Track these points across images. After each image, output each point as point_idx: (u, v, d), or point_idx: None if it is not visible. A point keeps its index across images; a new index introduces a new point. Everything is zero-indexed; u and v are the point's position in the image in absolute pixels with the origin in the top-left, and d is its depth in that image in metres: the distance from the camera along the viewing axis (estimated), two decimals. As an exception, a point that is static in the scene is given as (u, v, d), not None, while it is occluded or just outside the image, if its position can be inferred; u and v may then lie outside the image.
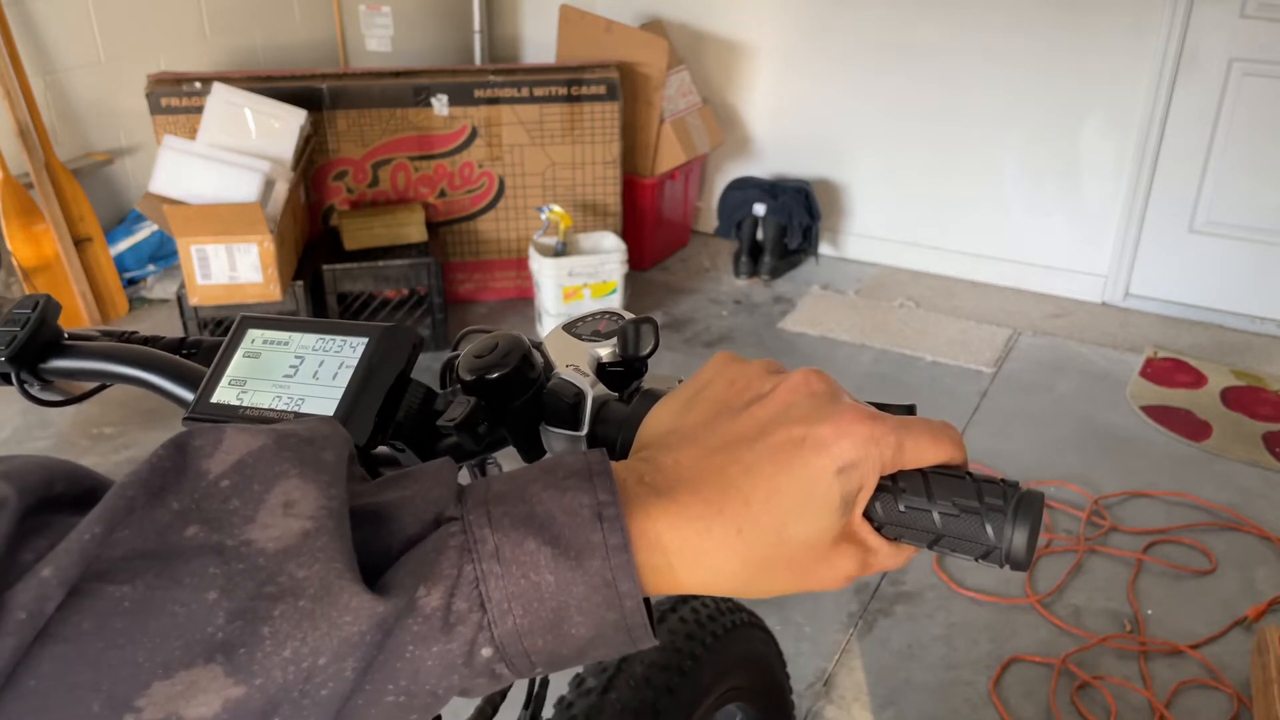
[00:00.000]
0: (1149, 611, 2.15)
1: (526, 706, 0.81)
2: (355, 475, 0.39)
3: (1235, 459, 2.68)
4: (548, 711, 0.95)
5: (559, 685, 1.03)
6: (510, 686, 0.82)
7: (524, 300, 3.51)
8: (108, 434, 2.67)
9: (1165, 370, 3.16)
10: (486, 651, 0.36)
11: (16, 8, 2.98)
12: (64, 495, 0.35)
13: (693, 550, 0.39)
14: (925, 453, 0.43)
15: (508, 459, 0.61)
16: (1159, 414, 2.90)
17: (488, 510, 0.37)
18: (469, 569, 0.36)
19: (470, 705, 0.87)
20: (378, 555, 0.36)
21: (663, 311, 3.51)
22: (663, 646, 1.04)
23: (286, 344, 0.57)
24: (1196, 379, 3.11)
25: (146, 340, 0.71)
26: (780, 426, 0.42)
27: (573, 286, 3.15)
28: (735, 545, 0.40)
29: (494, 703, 0.83)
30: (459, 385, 0.57)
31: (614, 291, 3.20)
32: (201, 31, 3.50)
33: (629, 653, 0.39)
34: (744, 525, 0.40)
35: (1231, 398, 3.00)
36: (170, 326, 3.16)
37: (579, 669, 1.07)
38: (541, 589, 0.36)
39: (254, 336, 0.58)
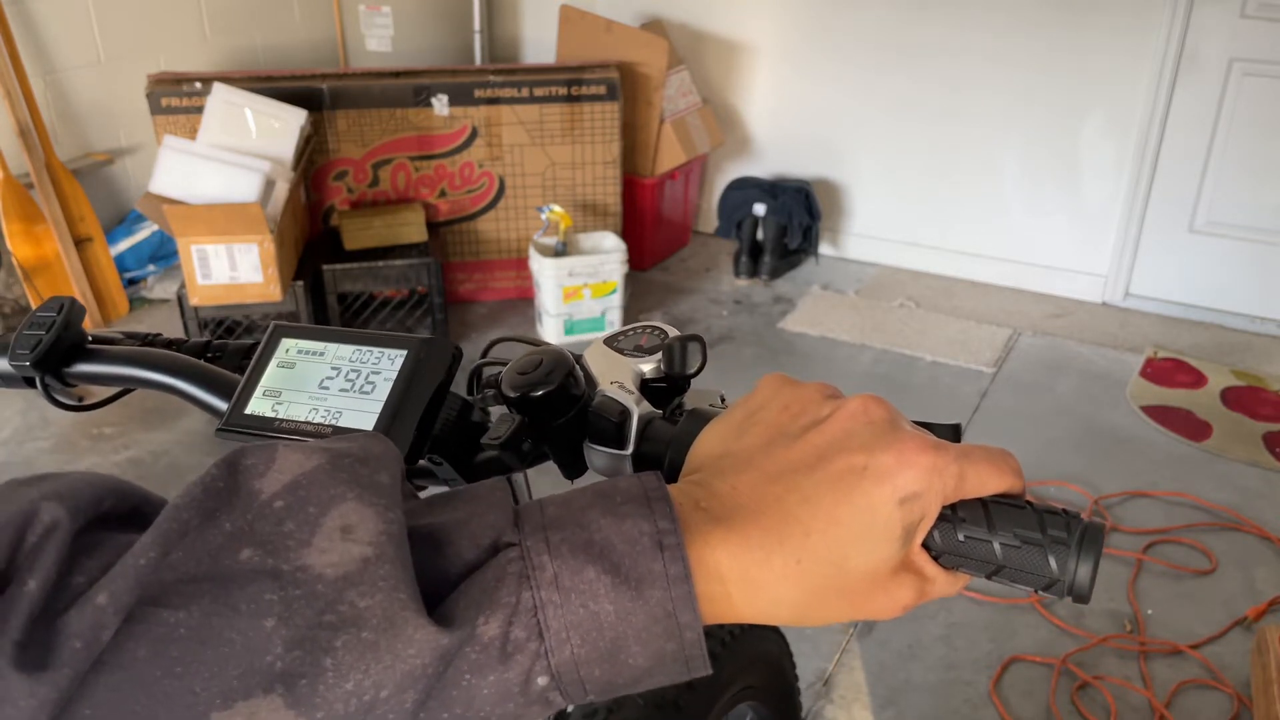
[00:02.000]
0: (1149, 611, 2.15)
1: None
2: (406, 493, 0.38)
3: (1235, 459, 2.68)
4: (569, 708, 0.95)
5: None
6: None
7: (524, 300, 3.51)
8: (108, 434, 2.67)
9: (1165, 370, 3.16)
10: (542, 680, 0.35)
11: (16, 8, 2.98)
12: (113, 512, 0.34)
13: (752, 580, 0.39)
14: (987, 483, 0.42)
15: (535, 472, 0.60)
16: (1159, 414, 2.90)
17: (546, 536, 0.37)
18: (527, 596, 0.35)
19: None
20: (433, 580, 0.36)
21: (663, 311, 3.51)
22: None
23: (322, 354, 0.56)
24: (1196, 379, 3.11)
25: (170, 343, 0.70)
26: (840, 454, 0.41)
27: (573, 286, 3.15)
28: (794, 576, 0.39)
29: None
30: (490, 393, 0.56)
31: (614, 291, 3.20)
32: (201, 31, 3.50)
33: (682, 680, 0.39)
34: (803, 556, 0.39)
35: (1231, 398, 3.00)
36: (170, 327, 3.16)
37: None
38: (600, 618, 0.36)
39: (288, 346, 0.56)
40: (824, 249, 3.99)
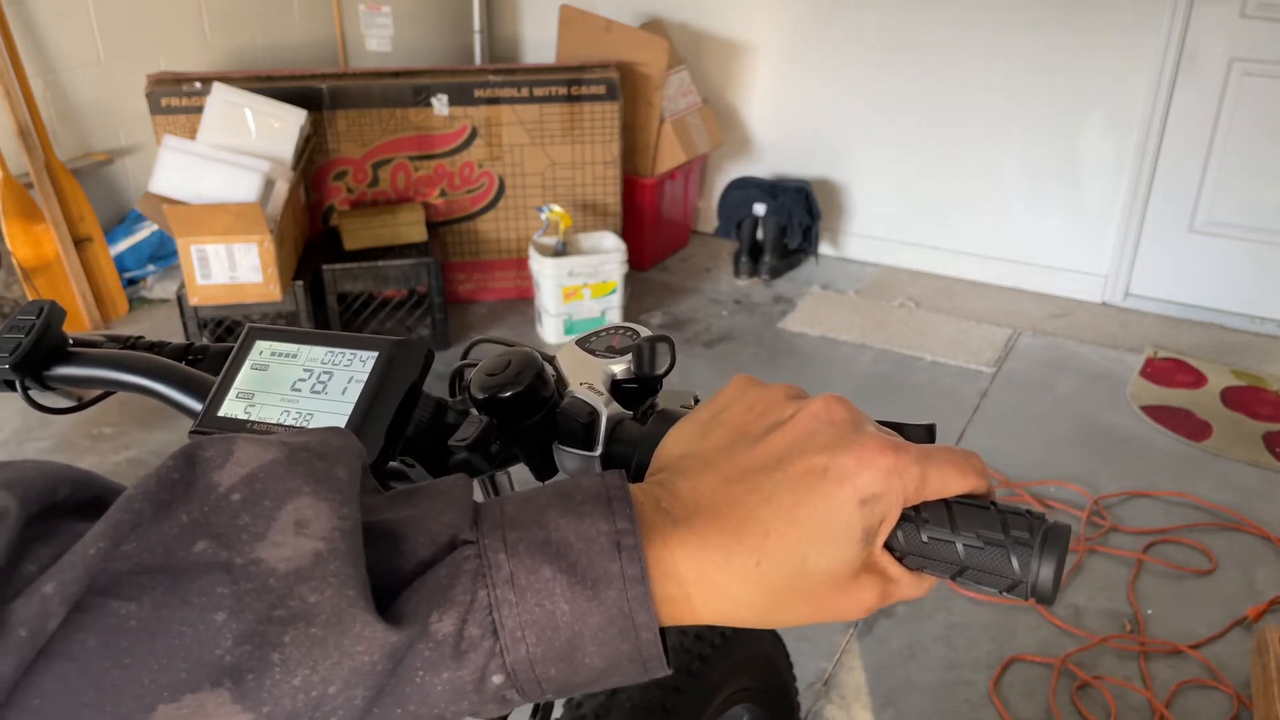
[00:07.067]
0: (1149, 611, 2.15)
1: (535, 714, 0.80)
2: (368, 488, 0.38)
3: (1235, 459, 2.68)
4: (556, 711, 0.95)
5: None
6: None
7: (524, 300, 3.51)
8: (108, 434, 2.67)
9: (1165, 370, 3.16)
10: (498, 679, 0.36)
11: (16, 8, 2.98)
12: (69, 501, 0.34)
13: (710, 582, 0.39)
14: (950, 484, 0.42)
15: (521, 471, 0.60)
16: (1159, 414, 2.90)
17: (503, 535, 0.37)
18: (483, 595, 0.35)
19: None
20: (388, 576, 0.36)
21: (662, 311, 3.51)
22: (672, 646, 1.03)
23: (295, 356, 0.56)
24: (1196, 379, 3.11)
25: (152, 346, 0.70)
26: (801, 456, 0.41)
27: (573, 286, 3.15)
28: (753, 578, 0.39)
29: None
30: (468, 395, 0.56)
31: (614, 291, 3.20)
32: (201, 31, 3.49)
33: (641, 681, 0.38)
34: (763, 558, 0.39)
35: (1231, 398, 3.00)
36: (170, 326, 3.16)
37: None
38: (556, 618, 0.36)
39: (262, 348, 0.57)
40: (824, 249, 3.99)
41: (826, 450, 0.41)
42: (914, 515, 0.42)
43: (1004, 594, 0.42)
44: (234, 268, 2.79)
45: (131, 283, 3.37)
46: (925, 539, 0.41)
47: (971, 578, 0.42)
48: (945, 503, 0.42)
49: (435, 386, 0.58)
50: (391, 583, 0.36)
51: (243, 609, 0.32)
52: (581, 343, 0.59)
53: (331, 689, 0.32)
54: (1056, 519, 0.42)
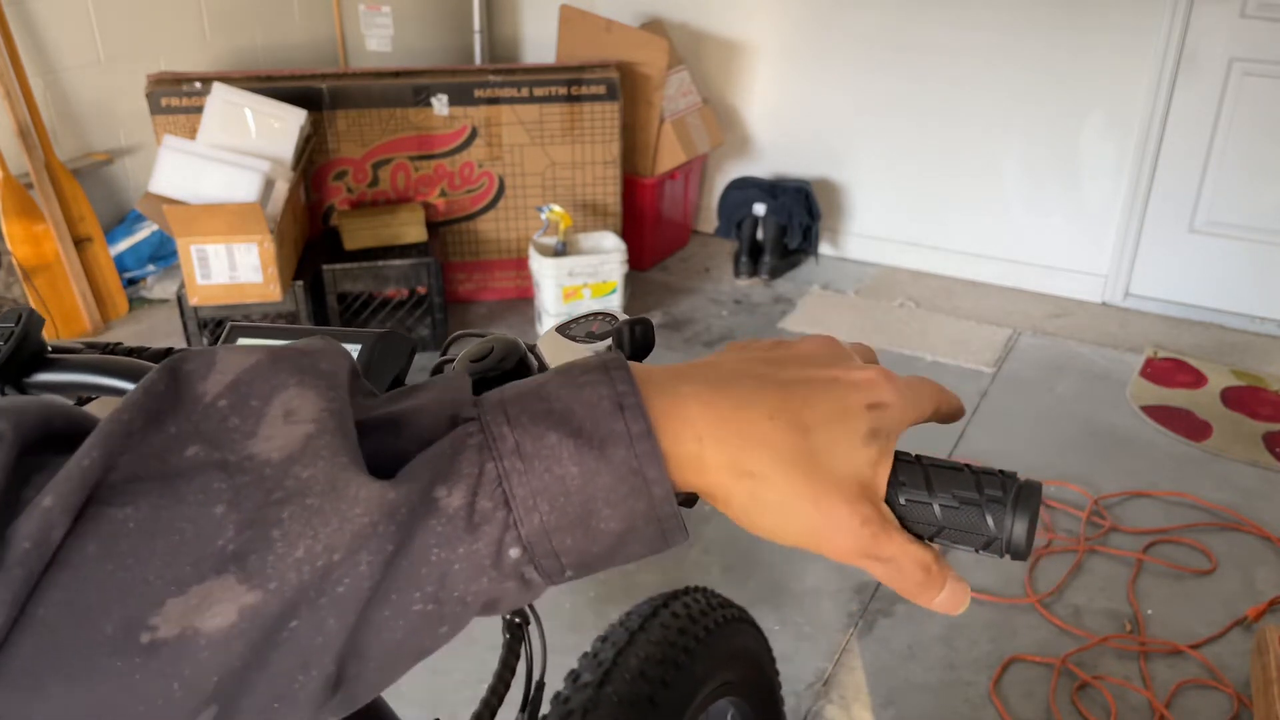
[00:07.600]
0: (1149, 611, 2.15)
1: (524, 709, 0.81)
2: (363, 391, 0.39)
3: (1235, 459, 2.68)
4: (544, 709, 0.95)
5: (555, 683, 1.04)
6: (507, 689, 0.82)
7: (524, 300, 3.51)
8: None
9: (1165, 370, 3.16)
10: (514, 552, 0.36)
11: (16, 8, 2.98)
12: (62, 434, 0.34)
13: (726, 428, 0.39)
14: (943, 404, 0.45)
15: None
16: (1159, 414, 2.90)
17: (504, 410, 0.37)
18: (490, 467, 0.35)
19: (470, 706, 0.87)
20: (392, 459, 0.36)
21: (662, 311, 3.51)
22: (657, 640, 1.05)
23: None
24: (1196, 379, 3.11)
25: (131, 351, 0.71)
26: (811, 367, 0.43)
27: (573, 286, 3.15)
28: (764, 432, 0.39)
29: (492, 705, 0.83)
30: None
31: (614, 291, 3.20)
32: (201, 31, 3.50)
33: (662, 550, 0.39)
34: (776, 413, 0.40)
35: (1231, 398, 3.00)
36: (170, 326, 3.16)
37: (574, 665, 1.08)
38: (566, 482, 0.36)
39: (244, 345, 0.57)
40: (824, 249, 3.99)
41: (835, 365, 0.43)
42: (892, 479, 0.43)
43: (980, 552, 0.43)
44: (234, 268, 2.79)
45: (131, 283, 3.37)
46: (903, 501, 0.43)
47: (949, 538, 0.43)
48: (921, 466, 0.43)
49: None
50: (395, 466, 0.36)
51: (241, 500, 0.32)
52: (562, 329, 0.60)
53: (336, 556, 0.33)
54: (1029, 478, 0.43)
